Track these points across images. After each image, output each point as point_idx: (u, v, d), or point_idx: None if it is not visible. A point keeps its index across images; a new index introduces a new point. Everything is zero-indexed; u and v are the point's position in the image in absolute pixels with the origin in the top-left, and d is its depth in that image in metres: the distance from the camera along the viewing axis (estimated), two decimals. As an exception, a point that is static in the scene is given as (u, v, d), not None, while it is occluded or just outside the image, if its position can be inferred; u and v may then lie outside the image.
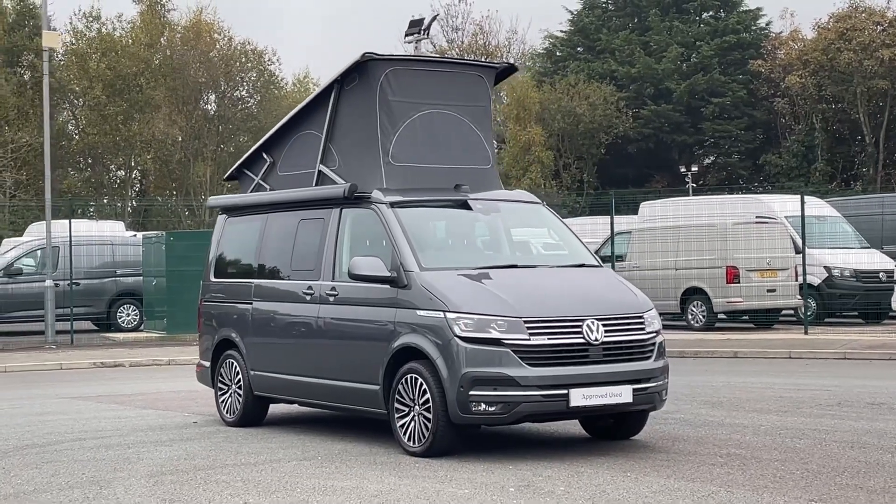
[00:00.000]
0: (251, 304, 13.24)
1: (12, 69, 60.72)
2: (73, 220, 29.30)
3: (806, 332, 25.41)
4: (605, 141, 65.71)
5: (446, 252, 11.86)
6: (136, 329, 29.32)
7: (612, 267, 27.13)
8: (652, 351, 11.24)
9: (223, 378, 13.64)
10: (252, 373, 13.12)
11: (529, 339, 10.59)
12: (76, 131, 62.94)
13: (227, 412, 13.56)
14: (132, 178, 67.36)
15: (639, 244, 28.61)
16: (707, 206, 30.52)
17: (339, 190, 12.17)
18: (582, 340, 10.77)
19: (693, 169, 64.15)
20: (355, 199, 12.05)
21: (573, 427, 12.44)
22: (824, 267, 27.92)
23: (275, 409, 13.84)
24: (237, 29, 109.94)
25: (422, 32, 27.06)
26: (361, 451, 11.44)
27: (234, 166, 14.24)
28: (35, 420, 14.35)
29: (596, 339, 10.80)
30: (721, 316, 28.24)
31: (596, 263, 12.18)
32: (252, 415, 13.34)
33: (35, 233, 35.20)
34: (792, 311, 28.34)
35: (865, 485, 9.48)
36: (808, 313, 27.17)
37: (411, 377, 11.00)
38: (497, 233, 12.39)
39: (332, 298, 12.07)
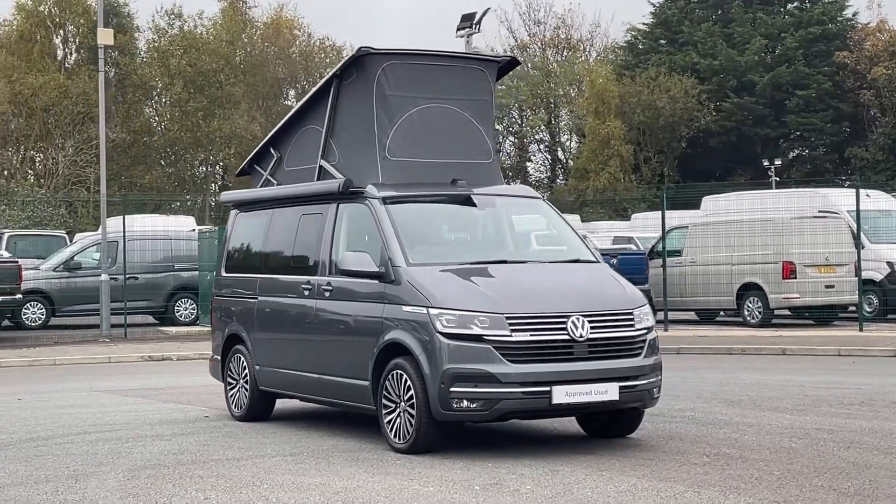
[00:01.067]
0: (256, 299, 13.30)
1: (96, 66, 61.66)
2: (143, 216, 29.63)
3: (861, 329, 24.92)
4: (687, 135, 65.13)
5: (436, 247, 11.78)
6: (193, 323, 29.61)
7: (664, 262, 26.89)
8: (641, 348, 11.07)
9: (231, 373, 13.72)
10: (257, 368, 13.18)
11: (511, 336, 10.48)
12: (159, 127, 63.76)
13: (235, 407, 13.64)
14: (214, 173, 68.03)
15: (695, 239, 28.25)
16: (769, 199, 30.07)
17: (334, 185, 12.18)
18: (566, 337, 10.64)
19: (777, 163, 63.18)
20: (350, 194, 12.03)
21: (570, 425, 12.31)
22: (887, 262, 27.33)
23: (287, 404, 13.87)
24: (321, 26, 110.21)
25: (473, 27, 26.98)
26: (350, 447, 11.43)
27: (246, 161, 14.32)
28: (55, 413, 14.53)
29: (581, 336, 10.66)
30: (785, 312, 27.84)
31: (593, 259, 12.02)
32: (258, 410, 13.38)
33: (110, 227, 35.69)
34: (854, 308, 27.76)
35: (840, 486, 9.25)
36: (870, 310, 26.66)
37: (397, 373, 10.96)
38: (490, 228, 12.31)
39: (327, 294, 12.08)
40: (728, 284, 27.26)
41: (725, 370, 18.93)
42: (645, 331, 11.16)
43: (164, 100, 63.19)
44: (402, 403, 10.91)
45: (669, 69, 66.32)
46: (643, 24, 73.60)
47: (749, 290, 27.03)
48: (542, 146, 77.52)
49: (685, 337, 24.60)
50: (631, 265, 27.79)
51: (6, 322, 28.29)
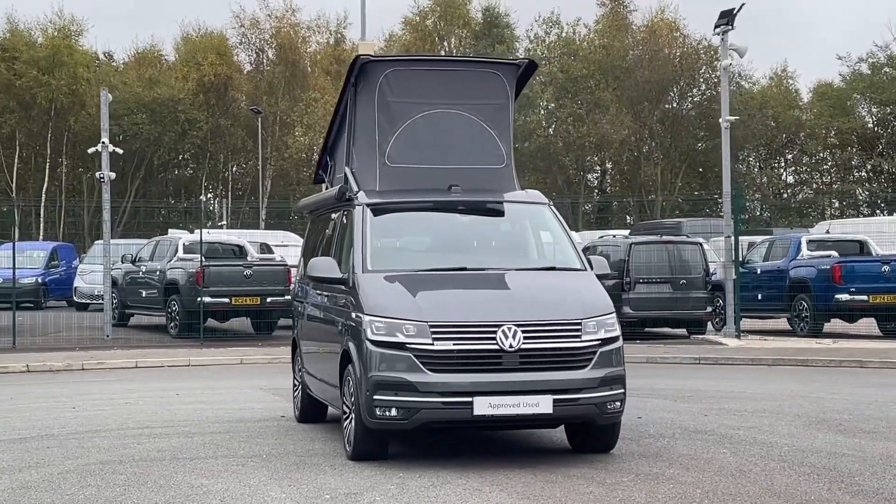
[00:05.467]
0: (303, 303, 13.67)
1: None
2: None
3: None
4: None
5: (400, 255, 11.71)
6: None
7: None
8: (589, 360, 10.53)
9: (295, 375, 14.14)
10: (303, 371, 13.54)
11: (433, 344, 10.29)
12: (540, 133, 64.56)
13: (295, 408, 14.05)
14: (588, 178, 68.38)
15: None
16: None
17: (332, 193, 12.38)
18: (494, 347, 10.31)
19: None
20: (346, 201, 12.19)
21: (557, 435, 11.91)
22: None
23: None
24: (700, 27, 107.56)
25: (729, 23, 25.98)
26: (317, 452, 11.55)
27: (315, 168, 14.73)
28: (162, 408, 15.29)
29: (511, 346, 10.30)
30: None
31: (575, 267, 11.54)
32: (310, 412, 13.67)
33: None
34: None
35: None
36: None
37: (348, 380, 11.03)
38: (469, 235, 12.11)
39: (326, 300, 12.28)
40: None
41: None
42: (597, 342, 10.61)
43: (544, 106, 64.13)
44: (352, 411, 10.95)
45: None
46: None
47: None
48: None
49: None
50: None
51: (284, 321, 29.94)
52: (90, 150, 29.46)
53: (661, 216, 57.09)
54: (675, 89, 63.66)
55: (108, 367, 22.53)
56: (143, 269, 29.18)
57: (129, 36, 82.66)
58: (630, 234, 38.78)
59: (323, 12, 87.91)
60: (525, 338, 10.36)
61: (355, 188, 12.14)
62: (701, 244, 27.03)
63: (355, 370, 10.67)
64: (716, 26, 26.47)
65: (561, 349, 10.49)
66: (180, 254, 28.15)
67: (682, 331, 27.13)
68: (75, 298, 37.58)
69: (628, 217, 60.44)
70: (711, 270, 26.80)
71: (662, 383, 18.08)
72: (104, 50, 73.24)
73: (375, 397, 10.38)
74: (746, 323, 28.56)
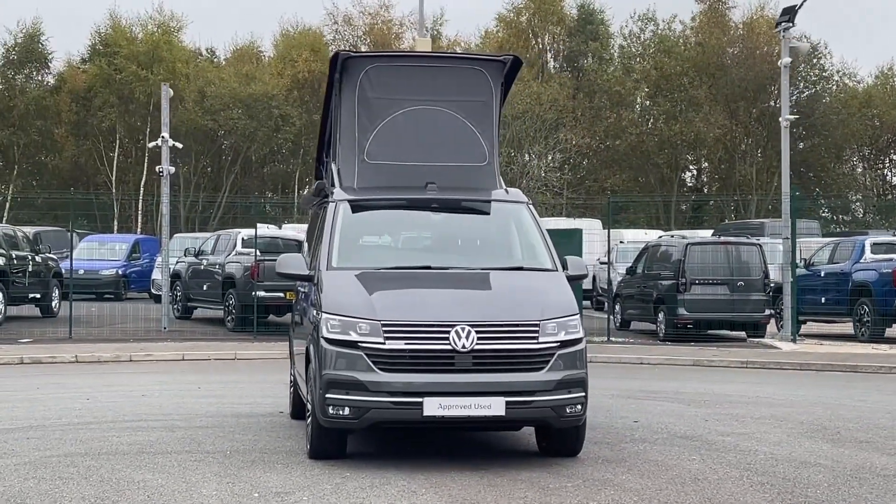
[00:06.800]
0: (295, 300, 13.65)
1: (571, 73, 63.22)
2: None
3: None
4: None
5: (365, 252, 11.58)
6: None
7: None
8: (545, 362, 10.30)
9: (290, 371, 14.11)
10: (293, 368, 13.51)
11: (384, 344, 10.16)
12: (632, 131, 63.77)
13: (289, 404, 14.02)
14: (680, 177, 67.37)
15: None
16: None
17: (312, 189, 12.33)
18: (447, 347, 10.13)
19: None
20: (324, 197, 12.13)
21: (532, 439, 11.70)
22: None
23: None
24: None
25: (790, 20, 25.40)
26: (282, 450, 11.46)
27: (315, 165, 14.68)
28: (167, 402, 15.37)
29: (464, 347, 10.12)
30: None
31: (546, 268, 11.29)
32: (300, 409, 13.54)
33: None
34: None
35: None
36: None
37: (310, 378, 10.96)
38: (440, 233, 11.93)
39: (305, 297, 12.22)
40: None
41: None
42: (555, 344, 10.36)
43: (636, 105, 63.41)
44: (312, 409, 10.88)
45: None
46: None
47: None
48: None
49: None
50: None
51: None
52: (150, 145, 29.80)
53: (755, 216, 56.15)
54: (773, 88, 62.39)
55: (155, 360, 22.76)
56: (205, 262, 29.45)
57: (230, 32, 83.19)
58: (714, 233, 38.32)
59: (417, 9, 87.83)
60: (479, 338, 10.17)
61: (337, 185, 12.06)
62: (760, 245, 26.46)
63: (313, 368, 10.61)
64: (777, 23, 25.88)
65: (516, 350, 10.28)
66: (238, 248, 28.36)
67: (742, 333, 26.62)
68: (153, 290, 38.08)
69: (727, 217, 59.52)
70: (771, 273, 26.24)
71: (690, 387, 17.75)
72: (207, 46, 74.26)
73: (328, 395, 10.28)
74: (811, 327, 27.96)
